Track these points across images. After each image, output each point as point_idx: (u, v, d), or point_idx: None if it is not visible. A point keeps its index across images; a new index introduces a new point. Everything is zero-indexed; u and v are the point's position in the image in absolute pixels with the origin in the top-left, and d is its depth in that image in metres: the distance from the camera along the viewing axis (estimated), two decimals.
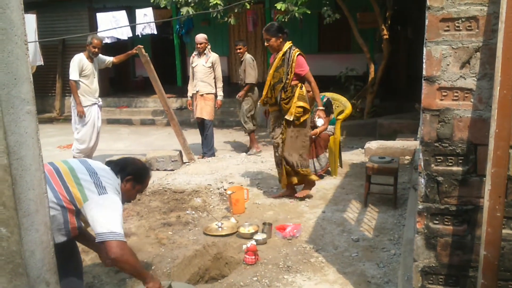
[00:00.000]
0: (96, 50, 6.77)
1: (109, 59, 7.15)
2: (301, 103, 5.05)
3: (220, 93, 7.85)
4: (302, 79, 5.13)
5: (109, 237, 2.49)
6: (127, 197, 2.95)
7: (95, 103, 6.89)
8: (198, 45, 7.61)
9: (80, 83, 6.64)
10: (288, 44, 5.08)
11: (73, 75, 6.63)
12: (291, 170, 5.21)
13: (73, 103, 6.78)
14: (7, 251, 1.55)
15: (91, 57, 6.79)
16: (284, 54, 5.04)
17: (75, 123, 6.85)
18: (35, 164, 1.58)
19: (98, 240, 2.51)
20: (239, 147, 8.76)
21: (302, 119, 5.08)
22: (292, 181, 5.29)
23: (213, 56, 7.71)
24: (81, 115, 6.72)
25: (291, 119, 5.03)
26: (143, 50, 6.40)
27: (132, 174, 2.91)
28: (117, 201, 2.67)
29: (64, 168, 2.70)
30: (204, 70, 7.62)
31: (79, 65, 6.65)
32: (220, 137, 10.02)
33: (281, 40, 5.05)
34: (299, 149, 5.16)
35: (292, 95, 5.03)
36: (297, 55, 5.03)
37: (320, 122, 5.56)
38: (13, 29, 1.50)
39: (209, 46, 7.75)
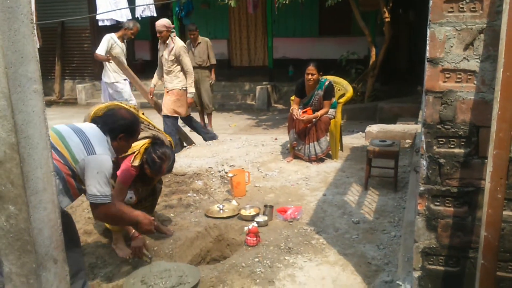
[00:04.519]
0: (133, 36, 7.62)
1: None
2: None
3: (191, 89, 6.80)
4: None
5: (91, 199, 2.67)
6: (122, 151, 3.02)
7: (126, 79, 7.48)
8: (158, 34, 6.58)
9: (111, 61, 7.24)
10: None
11: (100, 49, 7.28)
12: None
13: (105, 79, 7.52)
14: (15, 228, 1.58)
15: (123, 39, 7.51)
16: None
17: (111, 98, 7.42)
18: (42, 143, 1.59)
19: (87, 199, 2.72)
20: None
21: None
22: None
23: (177, 47, 6.57)
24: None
25: None
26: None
27: (124, 131, 2.91)
28: (105, 161, 2.72)
29: (51, 133, 2.75)
30: (167, 63, 6.67)
31: (108, 44, 7.26)
32: (221, 120, 10.03)
33: None
34: None
35: None
36: None
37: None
38: (19, 8, 1.50)
39: (173, 34, 6.62)
